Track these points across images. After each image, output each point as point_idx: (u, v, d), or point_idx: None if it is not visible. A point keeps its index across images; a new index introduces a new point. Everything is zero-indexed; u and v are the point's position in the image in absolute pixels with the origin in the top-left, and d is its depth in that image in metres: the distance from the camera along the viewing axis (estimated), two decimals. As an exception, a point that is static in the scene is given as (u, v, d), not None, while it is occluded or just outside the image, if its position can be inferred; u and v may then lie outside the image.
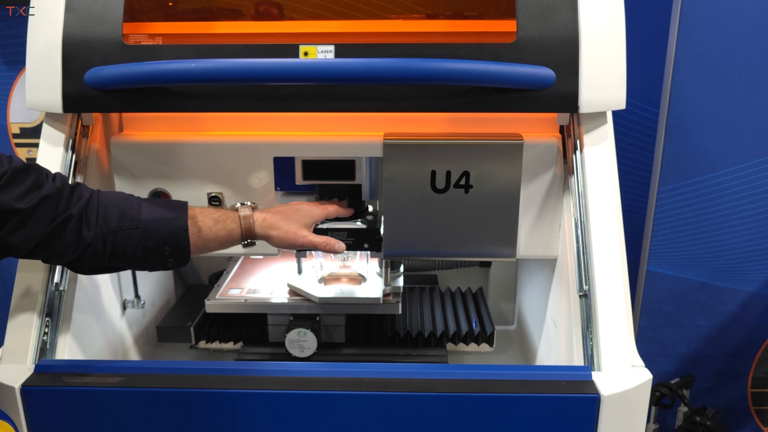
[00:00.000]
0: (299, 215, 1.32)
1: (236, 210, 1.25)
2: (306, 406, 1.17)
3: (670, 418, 2.36)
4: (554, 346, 1.49)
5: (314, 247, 1.34)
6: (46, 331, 1.28)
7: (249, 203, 1.28)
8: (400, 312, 1.59)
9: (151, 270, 1.23)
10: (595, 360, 1.23)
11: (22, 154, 2.40)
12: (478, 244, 1.44)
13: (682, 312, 2.23)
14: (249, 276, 1.75)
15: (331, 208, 1.42)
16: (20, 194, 1.07)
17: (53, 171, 1.14)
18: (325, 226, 1.49)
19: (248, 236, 1.25)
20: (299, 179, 1.46)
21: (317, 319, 1.60)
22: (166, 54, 1.32)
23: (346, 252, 1.68)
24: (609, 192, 1.33)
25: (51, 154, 1.37)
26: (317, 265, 1.70)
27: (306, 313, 1.60)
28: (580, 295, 1.30)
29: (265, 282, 1.71)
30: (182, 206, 1.20)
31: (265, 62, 1.26)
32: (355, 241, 1.50)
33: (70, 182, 1.20)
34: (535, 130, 1.44)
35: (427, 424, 1.17)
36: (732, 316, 2.23)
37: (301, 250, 1.61)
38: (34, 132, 2.37)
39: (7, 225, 1.07)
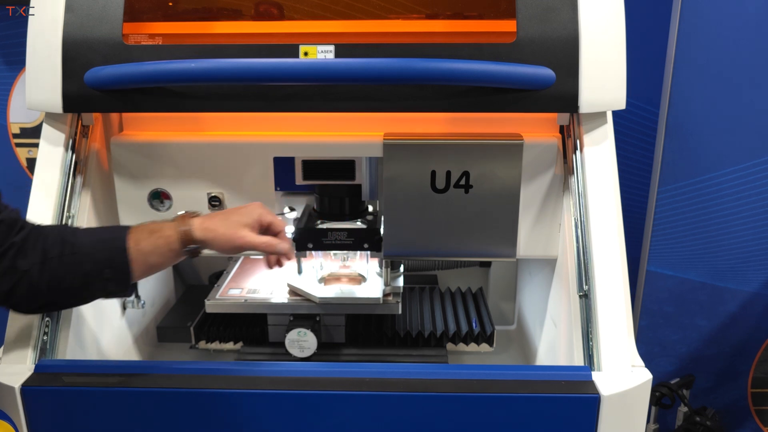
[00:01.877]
0: (239, 214, 1.22)
1: (175, 219, 1.20)
2: (306, 406, 1.17)
3: (670, 418, 2.36)
4: (554, 346, 1.49)
5: (254, 248, 1.23)
6: (46, 331, 1.28)
7: (192, 212, 1.23)
8: (400, 312, 1.59)
9: (91, 299, 1.18)
10: (595, 360, 1.23)
11: (22, 154, 2.40)
12: (478, 244, 1.44)
13: (682, 312, 2.23)
14: (249, 276, 1.75)
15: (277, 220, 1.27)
16: None
17: (52, 173, 1.13)
18: (325, 226, 1.49)
19: (187, 241, 1.17)
20: (299, 179, 1.46)
21: (317, 319, 1.60)
22: (166, 54, 1.32)
23: (346, 252, 1.69)
24: (609, 192, 1.33)
25: (51, 154, 1.37)
26: (317, 265, 1.70)
27: (306, 313, 1.60)
28: (580, 295, 1.30)
29: (265, 282, 1.71)
30: (122, 228, 1.16)
31: (265, 62, 1.26)
32: (355, 241, 1.50)
33: (15, 215, 1.14)
34: (535, 130, 1.44)
35: (427, 424, 1.17)
36: (732, 316, 2.23)
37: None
38: (34, 132, 2.37)
39: None
